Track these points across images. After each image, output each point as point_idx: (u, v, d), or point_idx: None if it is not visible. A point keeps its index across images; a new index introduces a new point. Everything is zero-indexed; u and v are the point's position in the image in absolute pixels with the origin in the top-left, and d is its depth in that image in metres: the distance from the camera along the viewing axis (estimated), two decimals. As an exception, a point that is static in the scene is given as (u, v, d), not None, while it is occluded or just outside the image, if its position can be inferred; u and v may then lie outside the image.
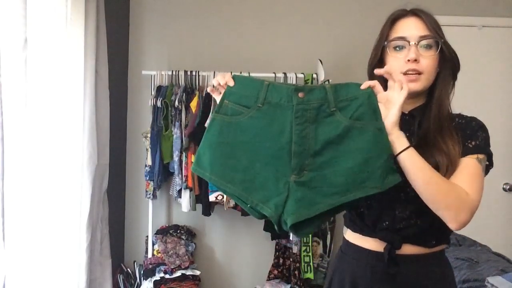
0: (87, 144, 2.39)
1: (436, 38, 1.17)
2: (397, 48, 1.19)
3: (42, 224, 2.06)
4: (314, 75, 2.88)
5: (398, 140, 1.08)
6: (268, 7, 3.19)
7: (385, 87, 1.15)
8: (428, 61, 1.17)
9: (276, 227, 1.11)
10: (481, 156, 1.14)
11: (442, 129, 1.18)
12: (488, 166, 1.18)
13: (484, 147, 1.16)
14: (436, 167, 1.12)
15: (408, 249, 1.19)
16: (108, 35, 2.62)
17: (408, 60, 1.15)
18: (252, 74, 2.86)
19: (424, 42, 1.17)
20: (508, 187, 3.10)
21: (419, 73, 1.17)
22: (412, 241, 1.19)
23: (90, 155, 2.42)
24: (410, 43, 1.17)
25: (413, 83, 1.16)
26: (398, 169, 1.09)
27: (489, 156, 1.18)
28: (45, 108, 2.05)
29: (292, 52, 3.16)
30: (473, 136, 1.17)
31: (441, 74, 1.21)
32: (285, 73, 2.87)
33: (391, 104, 1.08)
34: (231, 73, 1.19)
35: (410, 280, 1.19)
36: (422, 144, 1.17)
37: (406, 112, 1.23)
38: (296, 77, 2.86)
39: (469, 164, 1.14)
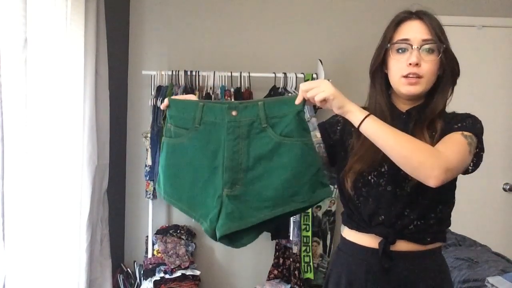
0: (87, 144, 2.39)
1: (438, 43, 1.18)
2: (400, 51, 1.20)
3: (42, 224, 2.06)
4: (314, 75, 2.88)
5: (354, 115, 1.09)
6: (268, 7, 3.19)
7: (386, 84, 1.24)
8: (429, 65, 1.17)
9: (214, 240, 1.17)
10: (467, 133, 1.13)
11: (430, 128, 1.19)
12: (479, 152, 1.16)
13: (470, 127, 1.15)
14: None
15: (403, 245, 1.20)
16: (108, 35, 2.62)
17: (410, 64, 1.16)
18: (252, 74, 2.87)
19: (426, 46, 1.17)
20: (508, 187, 3.09)
21: (419, 77, 1.17)
22: (407, 237, 1.20)
23: (90, 155, 2.42)
24: (413, 47, 1.17)
25: (412, 86, 1.18)
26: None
27: (478, 139, 1.16)
28: (45, 108, 2.05)
29: (292, 52, 3.16)
30: (460, 121, 1.17)
31: (441, 79, 1.22)
32: (285, 73, 2.87)
33: (328, 102, 1.09)
34: (168, 98, 1.25)
35: (404, 276, 1.20)
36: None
37: (404, 111, 1.25)
38: (296, 77, 2.86)
39: (451, 135, 1.14)
